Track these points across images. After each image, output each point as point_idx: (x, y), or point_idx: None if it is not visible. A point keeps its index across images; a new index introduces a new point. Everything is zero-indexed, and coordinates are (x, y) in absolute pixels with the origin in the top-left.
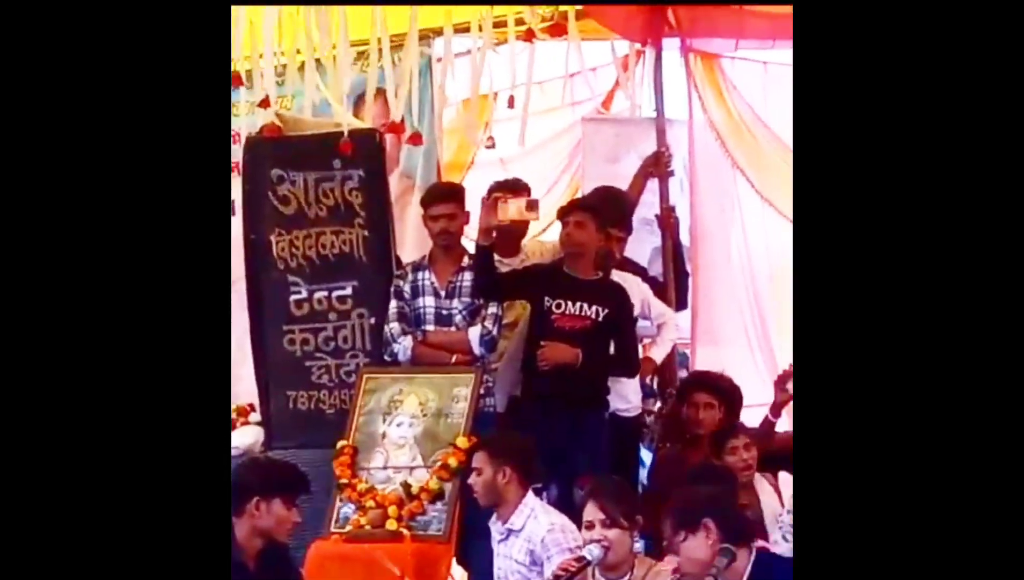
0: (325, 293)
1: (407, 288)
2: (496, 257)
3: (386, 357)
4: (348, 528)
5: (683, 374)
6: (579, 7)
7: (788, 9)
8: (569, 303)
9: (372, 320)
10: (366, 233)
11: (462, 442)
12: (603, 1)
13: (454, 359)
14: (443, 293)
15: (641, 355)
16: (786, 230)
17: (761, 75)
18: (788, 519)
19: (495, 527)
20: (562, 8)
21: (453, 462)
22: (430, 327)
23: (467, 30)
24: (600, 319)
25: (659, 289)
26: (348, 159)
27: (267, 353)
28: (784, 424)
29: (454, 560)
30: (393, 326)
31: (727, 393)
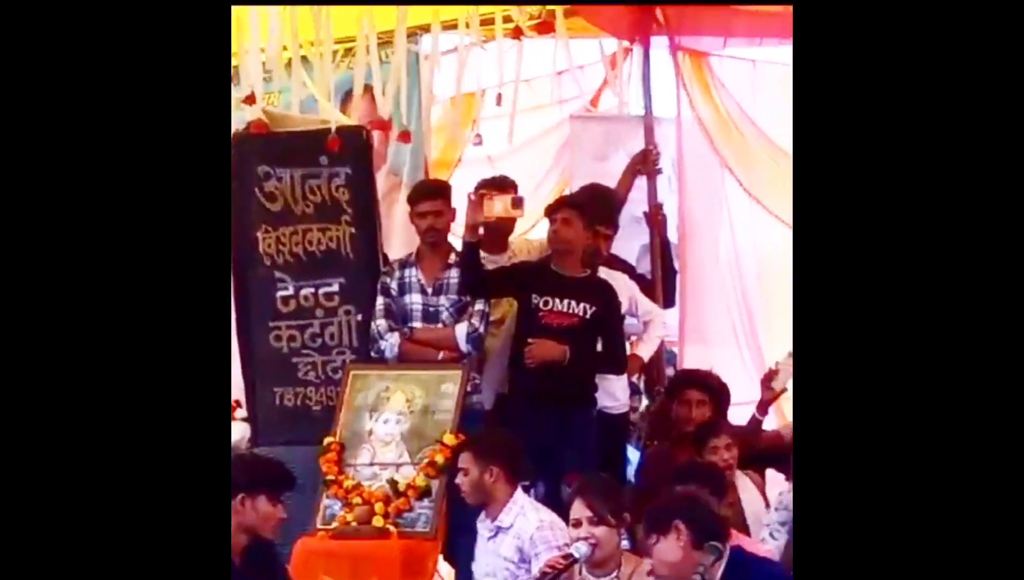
0: (312, 290)
1: (394, 285)
2: (483, 254)
3: (373, 354)
4: (334, 525)
5: (670, 372)
6: (567, 5)
7: (777, 8)
8: (557, 300)
9: (359, 317)
10: (353, 230)
11: (449, 439)
12: (591, 1)
13: (441, 356)
14: (430, 290)
15: (628, 352)
16: (774, 228)
17: (749, 73)
18: (775, 517)
19: (483, 525)
20: (550, 7)
21: (440, 459)
22: (417, 324)
23: (455, 27)
24: (588, 316)
25: (647, 287)
26: (335, 156)
27: (254, 349)
28: (771, 422)
29: (441, 557)
30: (380, 323)
31: (717, 391)
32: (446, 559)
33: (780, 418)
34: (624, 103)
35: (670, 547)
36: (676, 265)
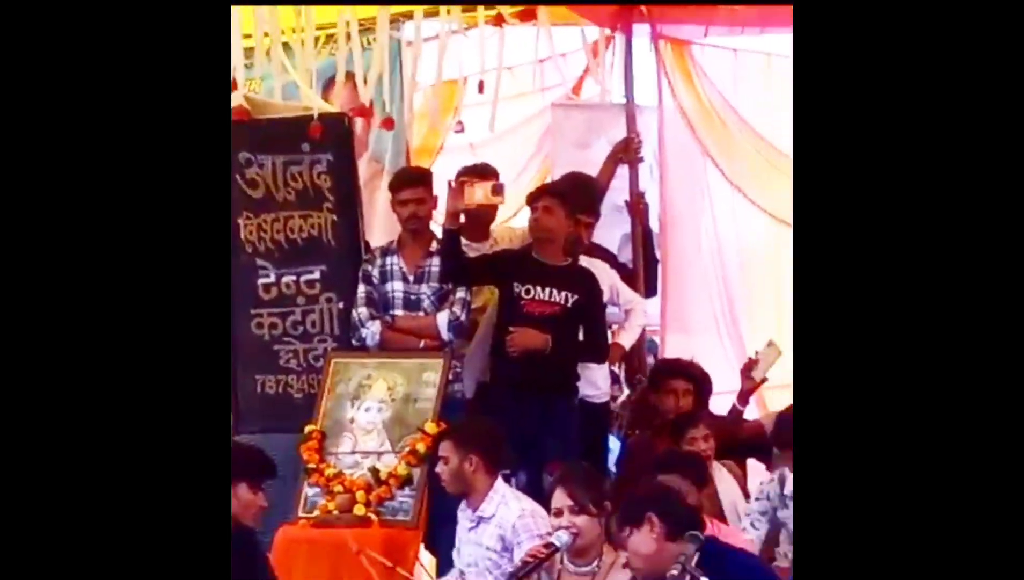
0: (293, 277)
1: (375, 273)
2: (465, 242)
3: (354, 342)
4: (316, 513)
5: (650, 361)
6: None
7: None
8: (538, 289)
9: (340, 305)
10: (335, 217)
11: (430, 427)
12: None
13: (422, 344)
14: (412, 278)
15: (610, 341)
16: (756, 217)
17: (731, 62)
18: (756, 507)
19: (464, 515)
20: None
21: (421, 447)
22: (399, 312)
23: (437, 14)
24: (569, 305)
25: (628, 275)
26: (317, 143)
27: (235, 337)
28: (752, 412)
29: (422, 545)
30: (361, 311)
31: (700, 380)
32: (428, 548)
33: (761, 408)
34: (606, 91)
35: (644, 539)
36: (658, 254)
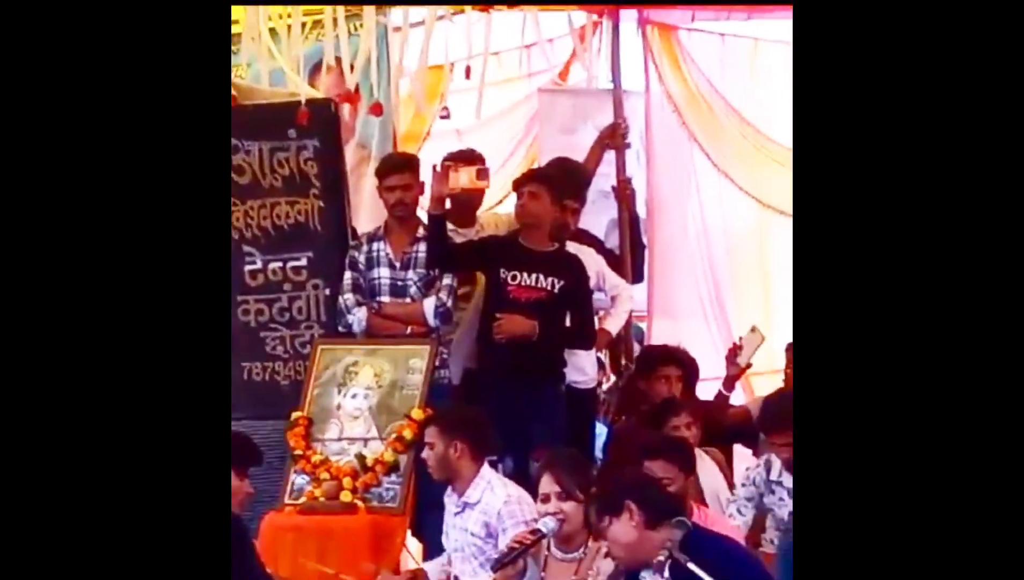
0: (280, 263)
1: (362, 259)
2: (451, 228)
3: (341, 328)
4: (302, 500)
5: (637, 347)
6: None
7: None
8: (525, 274)
9: (327, 291)
10: (321, 203)
11: (417, 414)
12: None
13: (409, 330)
14: (398, 264)
15: (596, 327)
16: (742, 202)
17: (718, 47)
18: (743, 493)
19: (450, 501)
20: None
21: (408, 434)
22: (385, 298)
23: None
24: (556, 291)
25: (615, 261)
26: (303, 129)
27: None
28: (738, 397)
29: (409, 532)
30: (348, 297)
31: (688, 366)
32: (414, 534)
33: (748, 394)
34: (593, 77)
35: (624, 528)
36: (644, 239)
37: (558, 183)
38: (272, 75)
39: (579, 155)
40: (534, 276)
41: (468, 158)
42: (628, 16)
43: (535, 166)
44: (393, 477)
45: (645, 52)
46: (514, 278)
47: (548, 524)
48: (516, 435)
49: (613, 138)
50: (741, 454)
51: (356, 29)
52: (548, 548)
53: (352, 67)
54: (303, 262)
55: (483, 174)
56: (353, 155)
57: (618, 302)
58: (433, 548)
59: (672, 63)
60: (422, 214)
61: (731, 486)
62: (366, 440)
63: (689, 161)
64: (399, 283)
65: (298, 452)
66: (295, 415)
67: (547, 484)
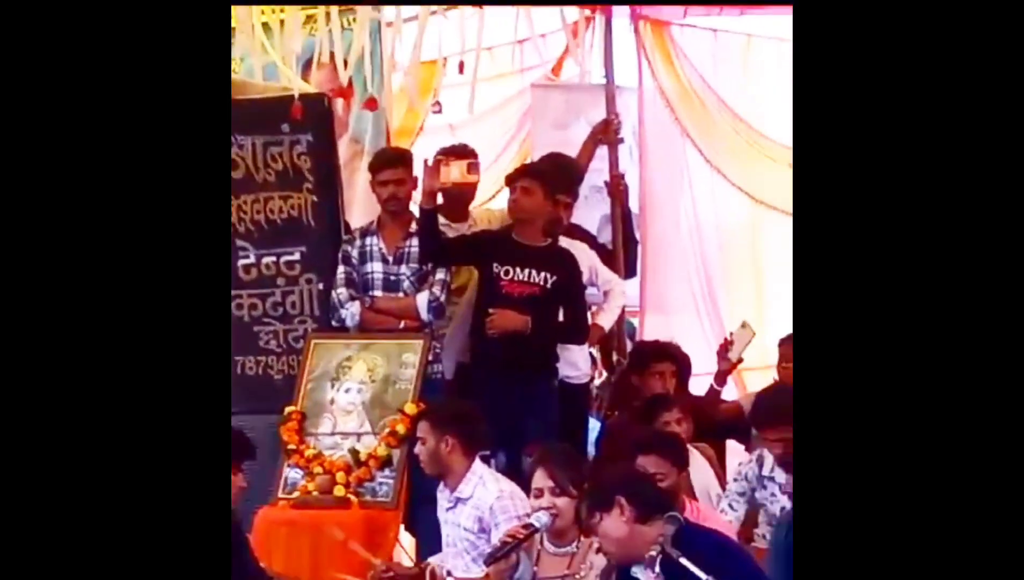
0: (273, 258)
1: (355, 253)
2: (444, 223)
3: (334, 323)
4: (296, 494)
5: (629, 343)
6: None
7: None
8: (517, 269)
9: (320, 285)
10: (315, 198)
11: (410, 409)
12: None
13: (402, 325)
14: (391, 259)
15: (589, 322)
16: (735, 198)
17: (711, 42)
18: (734, 488)
19: (443, 495)
20: None
21: (401, 429)
22: (378, 293)
23: None
24: (549, 286)
25: (608, 256)
26: (297, 123)
27: None
28: (731, 392)
29: (402, 527)
30: (341, 292)
31: (680, 361)
32: (407, 529)
33: (740, 389)
34: (586, 72)
35: (614, 524)
36: (637, 235)
37: (551, 178)
38: (265, 69)
39: (572, 150)
40: (527, 271)
41: (460, 153)
42: (621, 11)
43: (528, 161)
44: (386, 472)
45: (638, 48)
46: (507, 273)
47: (541, 519)
48: (509, 430)
49: (606, 133)
50: (733, 449)
51: (349, 24)
52: (541, 543)
53: (345, 62)
54: (296, 257)
55: (474, 168)
56: (346, 150)
57: (611, 297)
58: (426, 542)
59: (665, 59)
60: (415, 209)
61: (723, 482)
62: (359, 435)
63: (682, 157)
64: (392, 278)
65: (291, 446)
66: (288, 410)
67: (540, 479)
